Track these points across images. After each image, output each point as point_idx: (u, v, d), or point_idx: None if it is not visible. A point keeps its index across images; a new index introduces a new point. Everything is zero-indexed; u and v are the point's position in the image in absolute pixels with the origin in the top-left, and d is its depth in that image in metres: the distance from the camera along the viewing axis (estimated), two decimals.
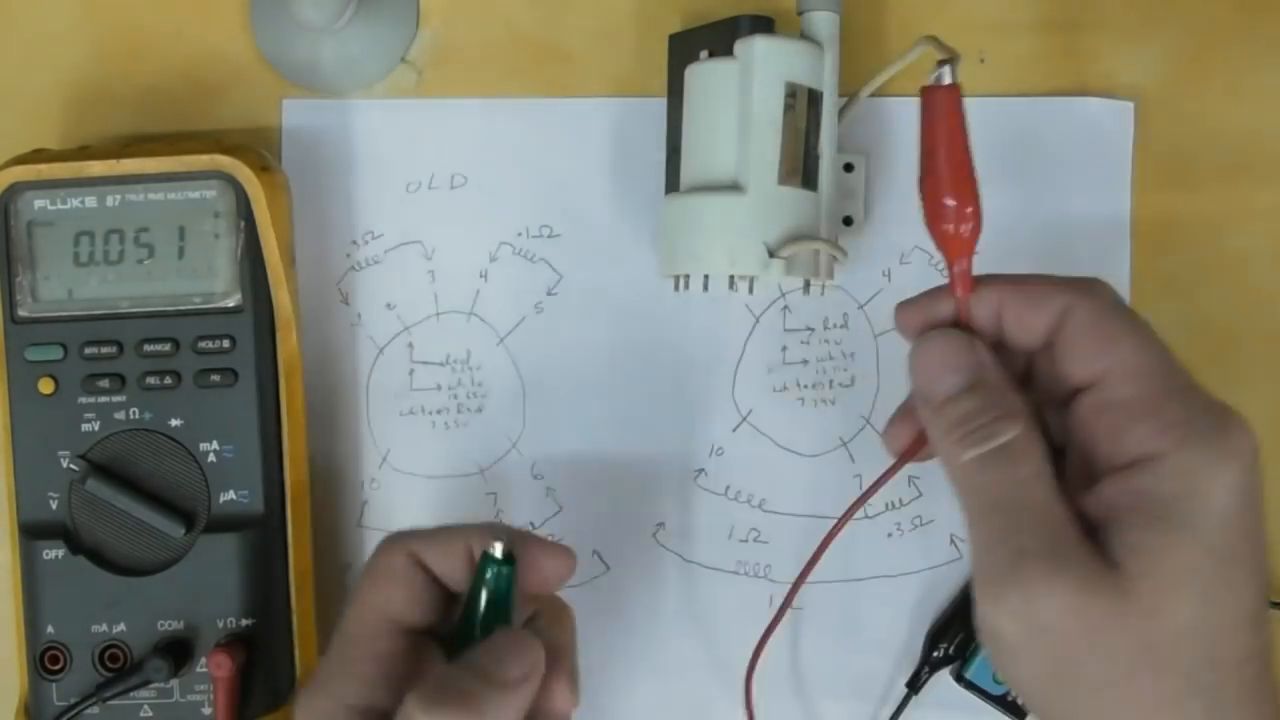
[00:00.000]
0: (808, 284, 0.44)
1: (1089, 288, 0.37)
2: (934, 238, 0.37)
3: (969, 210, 0.36)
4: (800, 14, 0.44)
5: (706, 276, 0.43)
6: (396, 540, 0.39)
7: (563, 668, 0.38)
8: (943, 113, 0.36)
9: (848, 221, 0.47)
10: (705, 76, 0.44)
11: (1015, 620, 0.34)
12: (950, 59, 0.35)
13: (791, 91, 0.42)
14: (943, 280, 0.47)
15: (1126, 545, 0.34)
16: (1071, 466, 0.38)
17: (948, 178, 0.36)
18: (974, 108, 0.47)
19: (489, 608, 0.37)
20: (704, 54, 0.44)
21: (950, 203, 0.36)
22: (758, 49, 0.42)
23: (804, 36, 0.44)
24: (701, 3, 0.47)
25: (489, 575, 0.37)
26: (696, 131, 0.44)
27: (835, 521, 0.41)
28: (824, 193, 0.44)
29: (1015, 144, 0.47)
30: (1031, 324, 0.37)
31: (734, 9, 0.46)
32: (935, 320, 0.38)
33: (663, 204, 0.45)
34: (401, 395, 0.48)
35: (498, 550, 0.37)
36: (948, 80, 0.36)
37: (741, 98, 0.42)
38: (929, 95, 0.36)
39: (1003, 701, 0.47)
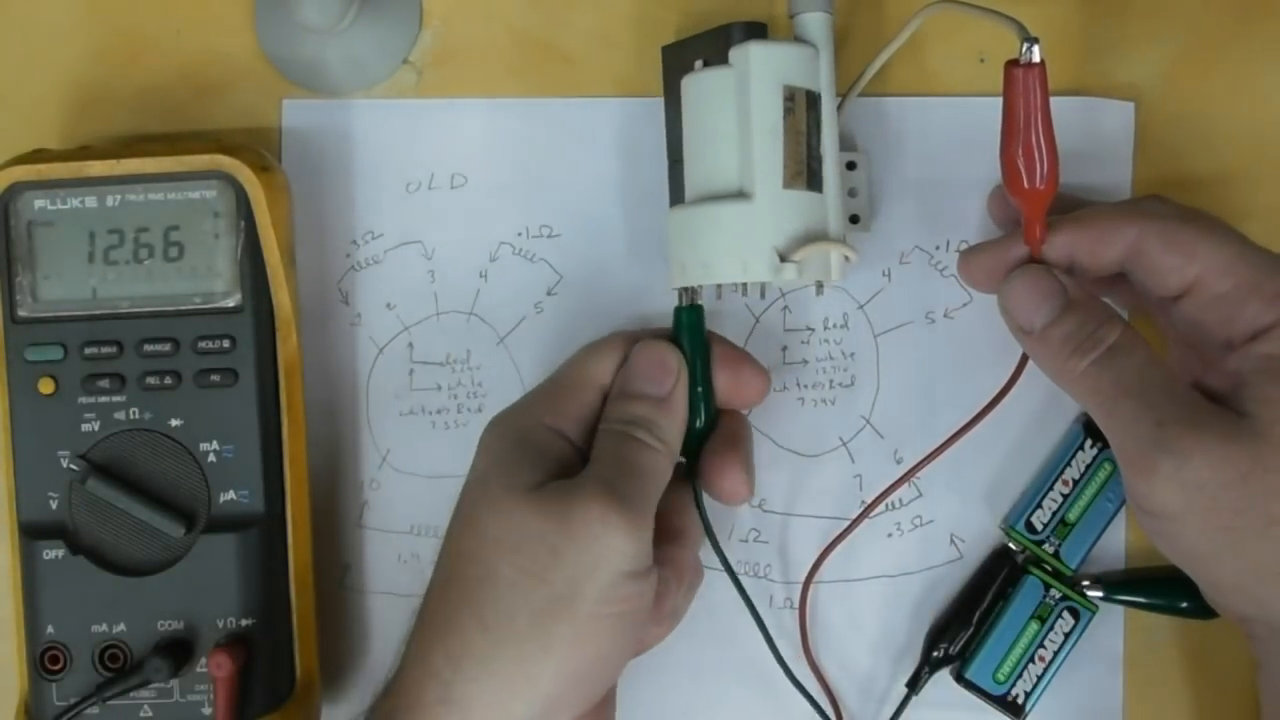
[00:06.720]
0: (820, 285, 0.44)
1: (1151, 210, 0.42)
2: (1013, 196, 0.41)
3: (1051, 171, 0.41)
4: (792, 17, 0.44)
5: (719, 286, 0.44)
6: (617, 333, 0.44)
7: (737, 457, 0.43)
8: (1036, 86, 0.40)
9: (854, 220, 0.47)
10: (702, 86, 0.44)
11: (1172, 486, 0.38)
12: (1036, 39, 0.40)
13: (790, 95, 0.42)
14: (943, 278, 0.48)
15: (1258, 399, 0.38)
16: (1174, 360, 0.44)
17: (1039, 142, 0.40)
18: (975, 108, 0.47)
19: (684, 344, 0.44)
20: (699, 64, 0.44)
21: (1038, 164, 0.41)
22: (753, 55, 0.42)
23: (798, 39, 0.44)
24: (702, 3, 0.48)
25: (680, 318, 0.44)
26: (697, 141, 0.44)
27: (869, 504, 0.46)
28: (830, 193, 0.44)
29: None
30: (1104, 257, 0.41)
31: (733, 7, 0.46)
32: (1010, 264, 0.42)
33: (668, 217, 0.45)
34: (401, 395, 0.48)
35: (685, 300, 0.44)
36: (1037, 58, 0.40)
37: (740, 105, 0.42)
38: (1026, 71, 0.40)
39: (1003, 701, 0.47)
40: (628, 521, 0.39)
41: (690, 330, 0.44)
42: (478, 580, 0.39)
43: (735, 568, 0.44)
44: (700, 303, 0.44)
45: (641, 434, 0.41)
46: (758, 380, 0.45)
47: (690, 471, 0.44)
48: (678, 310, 0.44)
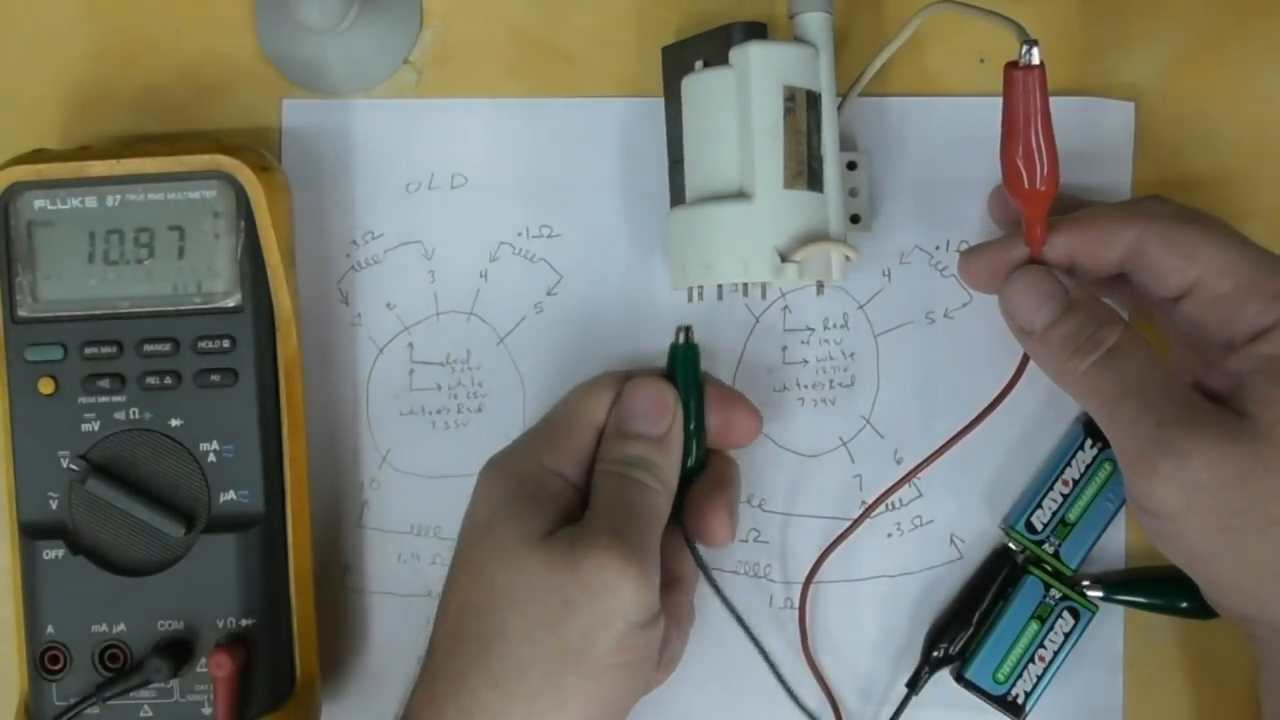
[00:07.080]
0: (820, 284, 0.44)
1: (1152, 210, 0.42)
2: (1014, 197, 0.41)
3: (1051, 172, 0.41)
4: (791, 17, 0.44)
5: (720, 286, 0.44)
6: (608, 373, 0.44)
7: (723, 500, 0.43)
8: (1035, 88, 0.40)
9: (854, 220, 0.47)
10: (702, 86, 0.44)
11: (1172, 486, 0.38)
12: (1035, 41, 0.40)
13: (790, 95, 0.42)
14: (942, 278, 0.48)
15: (1258, 400, 0.38)
16: (1176, 360, 0.44)
17: (1039, 143, 0.40)
18: (975, 108, 0.47)
19: (679, 383, 0.43)
20: (699, 64, 0.44)
21: (1038, 165, 0.40)
22: (753, 55, 0.42)
23: (798, 39, 0.44)
24: (702, 3, 0.48)
25: (676, 356, 0.44)
26: (698, 142, 0.44)
27: (872, 502, 0.46)
28: (830, 193, 0.44)
29: None
30: (1105, 258, 0.41)
31: (733, 7, 0.46)
32: (1010, 264, 0.42)
33: (669, 218, 0.45)
34: (401, 395, 0.48)
35: (681, 338, 0.44)
36: (1037, 60, 0.40)
37: (740, 105, 0.42)
38: (1025, 73, 0.40)
39: (1003, 701, 0.47)
40: (639, 571, 0.39)
41: (685, 368, 0.44)
42: (488, 636, 0.39)
43: (735, 567, 0.44)
44: (696, 343, 0.44)
45: (641, 475, 0.41)
46: (750, 422, 0.44)
47: (678, 512, 0.43)
48: (673, 347, 0.44)
